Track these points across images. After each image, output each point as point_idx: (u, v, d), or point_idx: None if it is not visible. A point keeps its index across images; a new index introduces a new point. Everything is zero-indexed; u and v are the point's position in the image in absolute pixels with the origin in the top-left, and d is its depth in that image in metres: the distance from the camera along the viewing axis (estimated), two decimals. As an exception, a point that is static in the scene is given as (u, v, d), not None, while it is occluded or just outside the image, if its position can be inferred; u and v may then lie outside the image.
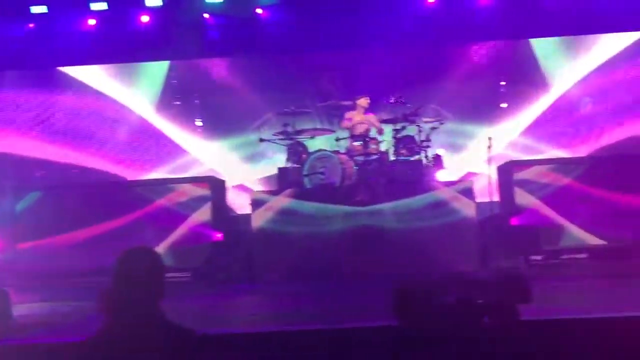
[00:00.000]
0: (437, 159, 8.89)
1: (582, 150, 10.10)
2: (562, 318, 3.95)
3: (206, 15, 10.50)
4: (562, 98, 10.74)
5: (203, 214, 8.17)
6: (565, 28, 10.41)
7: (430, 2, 10.44)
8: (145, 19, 10.39)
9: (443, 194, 8.05)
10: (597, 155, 9.22)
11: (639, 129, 9.84)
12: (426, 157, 8.73)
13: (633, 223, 7.78)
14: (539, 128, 10.72)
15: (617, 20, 10.03)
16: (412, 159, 8.70)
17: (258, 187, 10.33)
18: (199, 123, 11.17)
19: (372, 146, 8.84)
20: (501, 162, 8.91)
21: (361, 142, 8.80)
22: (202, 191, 8.25)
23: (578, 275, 7.17)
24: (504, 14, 10.31)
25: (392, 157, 8.76)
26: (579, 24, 10.23)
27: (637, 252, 7.71)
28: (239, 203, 9.66)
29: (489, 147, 8.48)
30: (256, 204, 8.22)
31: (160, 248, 7.91)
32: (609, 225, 7.80)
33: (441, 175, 8.95)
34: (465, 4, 10.52)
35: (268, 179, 10.39)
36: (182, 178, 9.26)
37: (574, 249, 8.01)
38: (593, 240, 7.85)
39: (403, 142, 8.78)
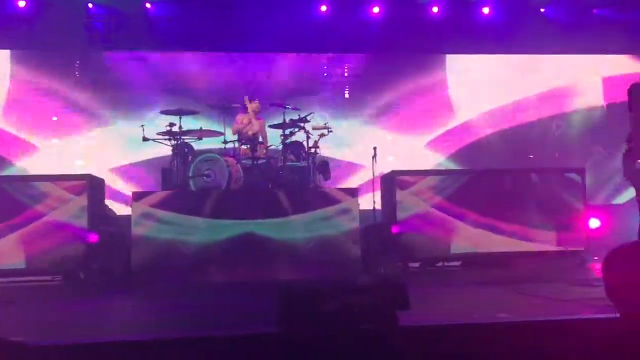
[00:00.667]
0: (324, 165, 8.95)
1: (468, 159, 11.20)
2: (439, 324, 4.04)
3: (90, 5, 10.01)
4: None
5: (78, 213, 7.70)
6: (455, 45, 10.93)
7: (323, 10, 10.55)
8: (22, 4, 9.74)
9: (328, 201, 8.07)
10: (477, 170, 9.65)
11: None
12: (314, 163, 8.76)
13: (505, 234, 8.25)
14: (439, 140, 11.39)
15: (503, 41, 10.74)
16: (299, 164, 8.70)
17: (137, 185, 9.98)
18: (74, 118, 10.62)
19: (261, 150, 8.78)
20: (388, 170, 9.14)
21: (249, 146, 8.69)
22: (78, 189, 7.77)
23: (454, 282, 7.44)
24: (397, 26, 10.62)
25: (280, 163, 8.72)
26: (465, 42, 10.78)
27: (506, 261, 8.18)
28: (118, 204, 9.24)
29: (374, 156, 8.63)
30: (136, 206, 7.83)
31: (23, 247, 7.40)
32: (482, 235, 8.21)
33: (327, 182, 9.06)
34: (358, 14, 10.72)
35: (150, 177, 10.08)
36: (57, 175, 8.67)
37: (450, 256, 8.33)
38: (468, 249, 8.22)
39: (291, 148, 8.77)
